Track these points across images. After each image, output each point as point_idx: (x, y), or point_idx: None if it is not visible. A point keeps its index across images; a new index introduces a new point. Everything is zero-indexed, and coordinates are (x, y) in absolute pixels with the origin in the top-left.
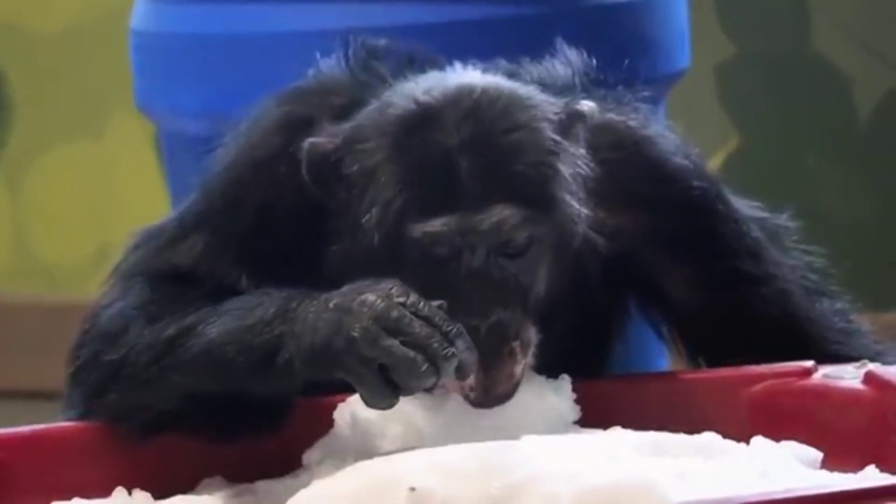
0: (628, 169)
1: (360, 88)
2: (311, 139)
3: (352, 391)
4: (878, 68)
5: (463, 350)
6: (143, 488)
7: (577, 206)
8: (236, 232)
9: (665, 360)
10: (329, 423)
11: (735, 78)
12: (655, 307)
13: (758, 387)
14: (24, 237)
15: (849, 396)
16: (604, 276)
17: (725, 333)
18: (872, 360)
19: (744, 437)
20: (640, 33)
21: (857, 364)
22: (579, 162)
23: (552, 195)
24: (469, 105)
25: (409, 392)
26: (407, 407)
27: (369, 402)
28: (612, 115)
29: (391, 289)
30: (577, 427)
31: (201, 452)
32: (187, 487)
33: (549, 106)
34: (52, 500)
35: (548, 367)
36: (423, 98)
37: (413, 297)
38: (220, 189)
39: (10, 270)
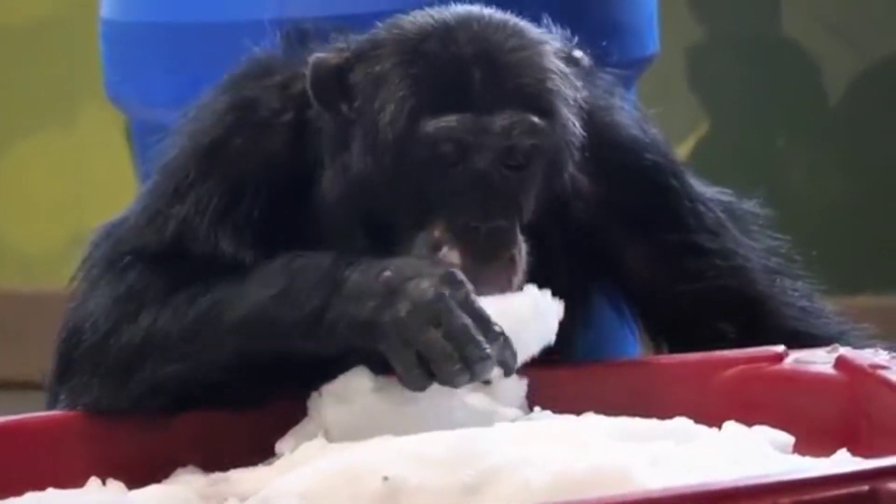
0: (585, 133)
1: (296, 65)
2: (316, 55)
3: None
4: (847, 51)
5: (502, 351)
6: (117, 478)
7: (574, 129)
8: (206, 204)
9: (636, 346)
10: (302, 412)
11: (705, 62)
12: (616, 284)
13: (729, 372)
14: None
15: (820, 381)
16: (565, 251)
17: (684, 309)
18: (834, 339)
19: (716, 422)
20: (610, 17)
21: (828, 349)
22: (577, 94)
23: (557, 109)
24: (480, 26)
25: (442, 383)
26: (378, 402)
27: (404, 382)
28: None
29: (445, 276)
30: (548, 413)
31: (175, 441)
32: (162, 476)
33: (551, 40)
34: (25, 491)
35: None
36: (437, 15)
37: (464, 290)
38: (182, 167)
39: None
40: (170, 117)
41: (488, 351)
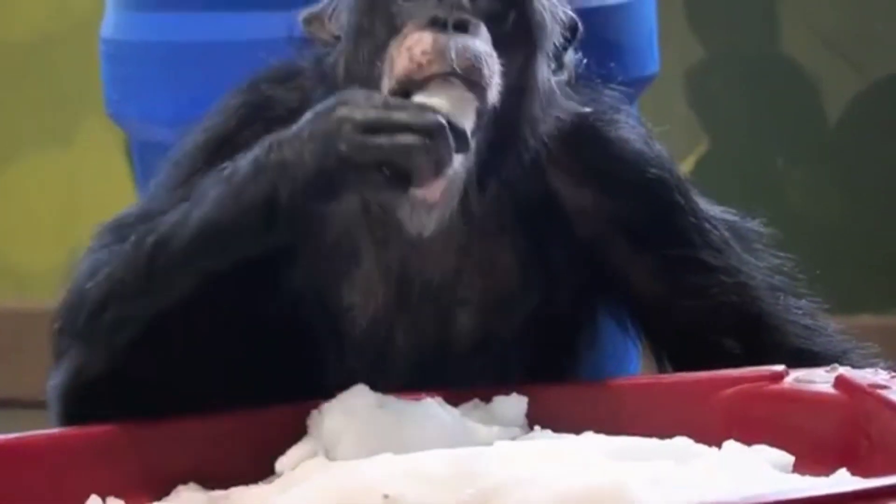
0: (589, 146)
1: (319, 73)
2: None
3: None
4: (846, 71)
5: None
6: (118, 496)
7: (550, 32)
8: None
9: (638, 365)
10: (302, 430)
11: (705, 81)
12: (620, 300)
13: (729, 391)
14: None
15: (820, 400)
16: (569, 267)
17: (687, 325)
18: (837, 357)
19: (716, 442)
20: (610, 38)
21: (827, 368)
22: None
23: None
24: None
25: (418, 175)
26: (378, 419)
27: (388, 200)
28: (580, 104)
29: (357, 97)
30: (548, 432)
31: (175, 460)
32: (162, 494)
33: None
34: None
35: (514, 369)
36: None
37: (379, 96)
38: (190, 160)
39: None
40: (170, 135)
41: (435, 119)
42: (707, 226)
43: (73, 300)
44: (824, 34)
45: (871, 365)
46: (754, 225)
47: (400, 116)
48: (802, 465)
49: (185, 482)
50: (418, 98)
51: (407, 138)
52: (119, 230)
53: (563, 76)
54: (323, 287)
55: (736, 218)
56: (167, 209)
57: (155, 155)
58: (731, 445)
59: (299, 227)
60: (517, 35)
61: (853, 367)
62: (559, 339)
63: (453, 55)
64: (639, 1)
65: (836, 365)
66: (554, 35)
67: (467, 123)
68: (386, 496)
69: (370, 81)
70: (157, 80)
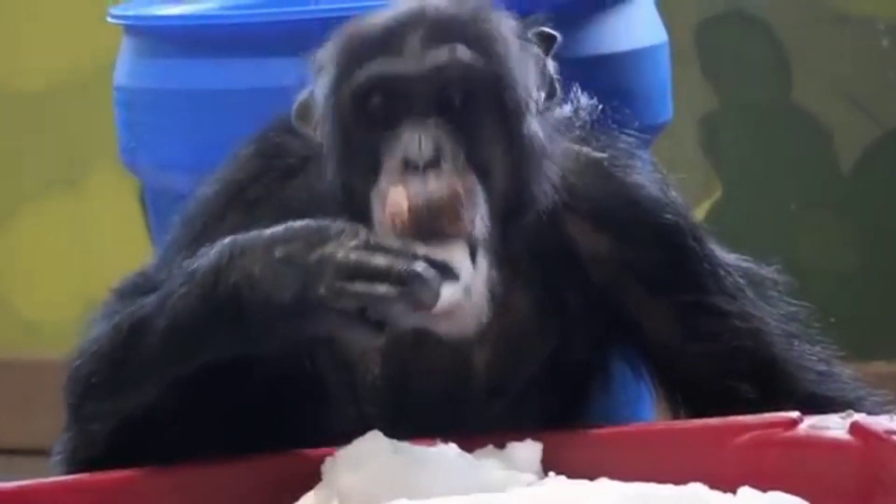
0: (604, 192)
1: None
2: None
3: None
4: (860, 119)
5: (423, 269)
6: None
7: (525, 83)
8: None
9: (651, 411)
10: (316, 476)
11: (718, 129)
12: (634, 345)
13: (744, 437)
14: (4, 292)
15: (835, 447)
16: (585, 314)
17: (701, 369)
18: (852, 403)
19: (730, 488)
20: (624, 85)
21: (842, 414)
22: (541, 62)
23: (497, 52)
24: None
25: (394, 323)
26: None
27: (360, 345)
28: (597, 149)
29: (342, 234)
30: (563, 478)
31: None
32: None
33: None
34: None
35: (529, 415)
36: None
37: (364, 235)
38: (201, 214)
39: None
40: (185, 183)
41: (413, 268)
42: (721, 272)
43: (70, 376)
44: (838, 83)
45: (886, 411)
46: (769, 272)
47: (379, 263)
48: None
49: None
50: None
51: (383, 289)
52: (123, 298)
53: (564, 108)
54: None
55: (751, 265)
56: (170, 275)
57: (169, 202)
58: (746, 492)
59: (268, 340)
60: (495, 115)
61: (868, 413)
62: (574, 385)
63: (428, 218)
64: (652, 48)
65: (852, 411)
66: (531, 90)
67: (456, 257)
68: None
69: (356, 200)
70: (171, 127)
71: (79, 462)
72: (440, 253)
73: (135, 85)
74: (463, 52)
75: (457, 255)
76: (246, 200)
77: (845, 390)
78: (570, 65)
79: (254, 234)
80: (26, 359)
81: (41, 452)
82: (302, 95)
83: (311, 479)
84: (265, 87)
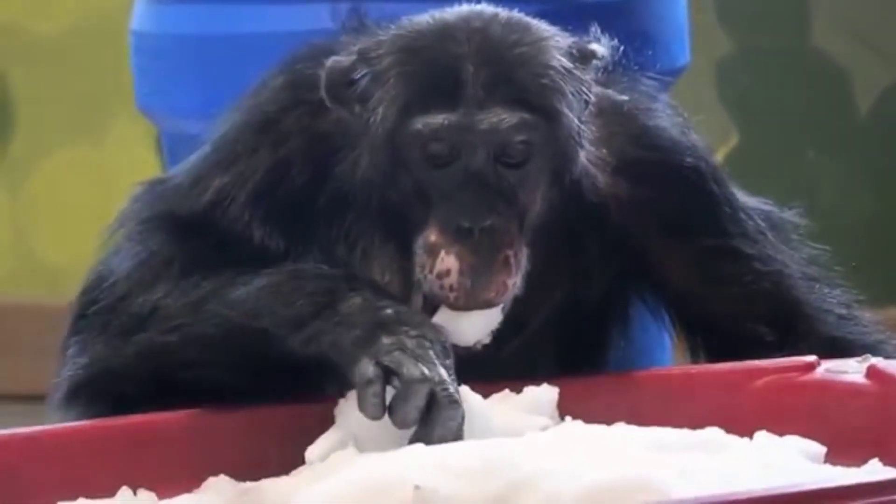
0: (625, 134)
1: (355, 49)
2: (333, 58)
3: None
4: (877, 63)
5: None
6: (148, 488)
7: (578, 125)
8: (248, 178)
9: (669, 356)
10: (329, 421)
11: (735, 74)
12: (653, 288)
13: (761, 381)
14: (26, 240)
15: (852, 391)
16: (602, 256)
17: (722, 313)
18: (871, 347)
19: (747, 433)
20: (640, 30)
21: (859, 358)
22: (585, 89)
23: (552, 106)
24: (481, 22)
25: (397, 418)
26: None
27: (360, 403)
28: (619, 92)
29: (436, 340)
30: (579, 422)
31: (205, 451)
32: (192, 486)
33: (560, 37)
34: (56, 501)
35: (545, 358)
36: (437, 14)
37: (450, 361)
38: (232, 140)
39: (11, 273)
40: (200, 128)
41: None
42: (742, 215)
43: (105, 292)
44: (855, 27)
45: None
46: (790, 215)
47: (417, 373)
48: (834, 456)
49: (215, 474)
50: (445, 315)
51: (414, 393)
52: (153, 205)
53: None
54: (349, 266)
55: (772, 208)
56: (206, 193)
57: (184, 147)
58: (762, 436)
59: (307, 357)
60: (551, 164)
61: (887, 356)
62: (591, 329)
63: (479, 297)
64: None
65: (869, 355)
66: (581, 120)
67: (491, 315)
68: (417, 487)
69: (390, 211)
70: (185, 72)
71: (99, 373)
72: (477, 315)
73: (149, 30)
74: (522, 110)
75: (492, 315)
76: (277, 133)
77: (865, 334)
78: (588, 10)
79: (359, 306)
80: (48, 305)
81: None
82: (337, 62)
83: (325, 423)
84: (278, 32)
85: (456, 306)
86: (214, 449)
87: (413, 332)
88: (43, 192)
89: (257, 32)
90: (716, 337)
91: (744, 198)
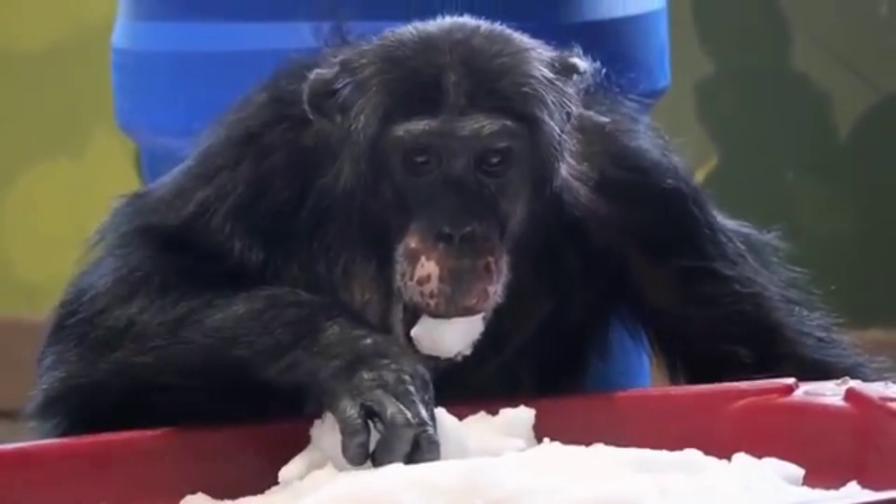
0: (606, 154)
1: (335, 64)
2: (316, 71)
3: None
4: (856, 85)
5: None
6: None
7: (559, 136)
8: (230, 191)
9: (647, 378)
10: (305, 441)
11: (714, 95)
12: (632, 308)
13: (739, 403)
14: (4, 254)
15: (830, 413)
16: (582, 275)
17: (701, 334)
18: (850, 369)
19: (725, 454)
20: (622, 51)
21: (838, 381)
22: (567, 101)
23: (534, 114)
24: (464, 34)
25: (381, 464)
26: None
27: (344, 449)
28: (600, 114)
29: (415, 372)
30: (558, 444)
31: (183, 468)
32: (170, 503)
33: (542, 49)
34: None
35: (525, 378)
36: (420, 26)
37: (429, 394)
38: (215, 153)
39: None
40: (180, 145)
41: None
42: (722, 237)
43: (84, 305)
44: (835, 49)
45: (884, 378)
46: (769, 238)
47: (401, 418)
48: (812, 478)
49: (192, 492)
50: (426, 325)
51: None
52: (134, 219)
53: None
54: (329, 284)
55: (750, 231)
56: (187, 206)
57: (165, 164)
58: (740, 458)
59: (285, 386)
60: (531, 172)
61: (865, 380)
62: (570, 349)
63: (460, 303)
64: (649, 14)
65: (847, 378)
66: (563, 131)
67: (472, 324)
68: None
69: (372, 220)
70: (167, 89)
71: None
72: (458, 324)
73: (130, 47)
74: (504, 117)
75: (473, 323)
76: (260, 147)
77: (844, 357)
78: (570, 31)
79: (337, 335)
80: (26, 319)
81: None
82: (320, 74)
83: (303, 442)
84: (259, 50)
85: (436, 313)
86: (192, 467)
87: (393, 366)
88: (21, 207)
89: (238, 51)
90: (694, 358)
91: (723, 220)
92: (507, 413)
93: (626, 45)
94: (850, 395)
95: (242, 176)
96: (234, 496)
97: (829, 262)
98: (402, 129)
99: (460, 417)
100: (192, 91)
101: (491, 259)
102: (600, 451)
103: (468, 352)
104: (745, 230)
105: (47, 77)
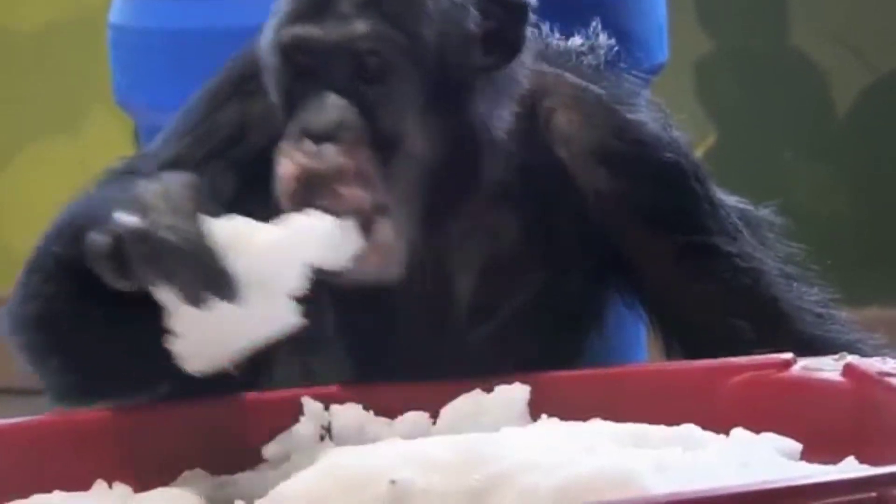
0: (606, 127)
1: None
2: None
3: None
4: (855, 64)
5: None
6: (124, 481)
7: (460, 61)
8: (213, 133)
9: (644, 353)
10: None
11: (712, 74)
12: (630, 283)
13: (737, 378)
14: (2, 234)
15: (828, 388)
16: (579, 247)
17: (699, 308)
18: (848, 345)
19: (723, 429)
20: (619, 26)
21: (836, 357)
22: (467, 17)
23: (413, 26)
24: None
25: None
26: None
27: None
28: (602, 87)
29: (160, 207)
30: (555, 420)
31: (181, 444)
32: (168, 479)
33: None
34: (32, 494)
35: (519, 351)
36: None
37: (178, 214)
38: (192, 113)
39: None
40: None
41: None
42: (722, 212)
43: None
44: (834, 28)
45: (881, 355)
46: (767, 214)
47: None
48: (810, 453)
49: (191, 468)
50: (292, 225)
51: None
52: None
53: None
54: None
55: (749, 207)
56: (168, 151)
57: None
58: (738, 433)
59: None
60: (416, 87)
61: (863, 356)
62: (567, 323)
63: (310, 201)
64: None
65: (845, 353)
66: (468, 57)
67: (339, 244)
68: (393, 482)
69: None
70: (164, 66)
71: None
72: (320, 228)
73: (127, 24)
74: (380, 24)
75: (341, 231)
76: (243, 94)
77: (841, 333)
78: (569, 6)
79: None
80: None
81: (35, 391)
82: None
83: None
84: (257, 26)
85: (288, 210)
86: (189, 443)
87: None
88: (18, 186)
89: (236, 26)
90: (692, 333)
91: (722, 195)
92: (502, 390)
93: (625, 20)
94: (849, 370)
95: (226, 120)
96: (233, 472)
97: (827, 239)
98: (284, 34)
99: (455, 394)
100: (189, 67)
101: (353, 164)
102: (597, 426)
103: (351, 266)
104: (743, 206)
105: (45, 55)
